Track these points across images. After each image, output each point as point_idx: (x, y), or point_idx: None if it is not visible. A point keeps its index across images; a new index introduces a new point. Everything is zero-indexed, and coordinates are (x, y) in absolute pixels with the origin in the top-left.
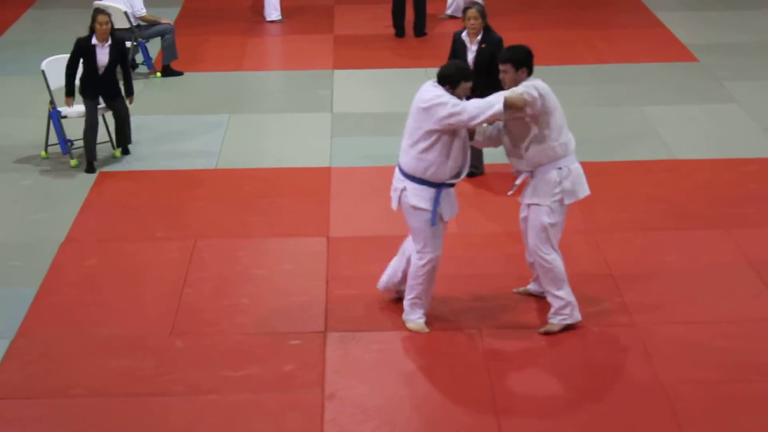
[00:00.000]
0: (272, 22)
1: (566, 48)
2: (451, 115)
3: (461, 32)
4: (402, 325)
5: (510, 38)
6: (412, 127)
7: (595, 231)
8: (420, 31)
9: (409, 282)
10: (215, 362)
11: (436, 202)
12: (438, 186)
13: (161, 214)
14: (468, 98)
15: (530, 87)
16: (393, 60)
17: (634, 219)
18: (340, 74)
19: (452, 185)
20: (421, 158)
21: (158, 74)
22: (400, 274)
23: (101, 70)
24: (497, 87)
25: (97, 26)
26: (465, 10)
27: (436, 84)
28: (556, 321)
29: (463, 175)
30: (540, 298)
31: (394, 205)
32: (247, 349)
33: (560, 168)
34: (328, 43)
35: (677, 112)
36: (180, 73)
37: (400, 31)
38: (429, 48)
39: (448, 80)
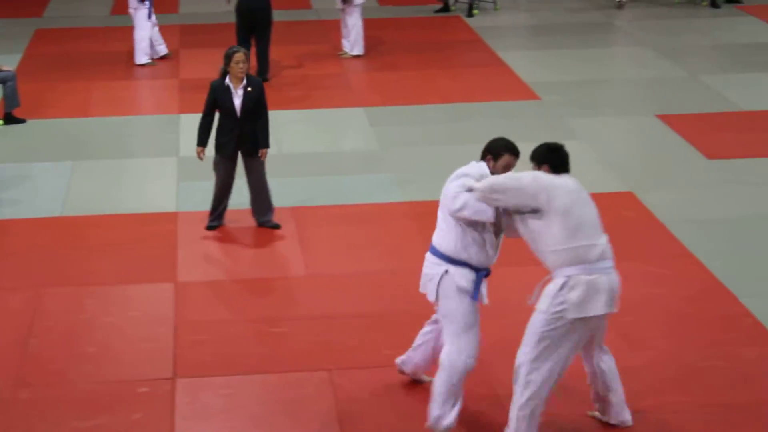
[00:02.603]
0: (142, 65)
1: (413, 88)
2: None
3: (221, 80)
4: (253, 369)
5: (359, 80)
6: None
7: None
8: (262, 75)
9: (438, 385)
10: (63, 413)
11: (476, 285)
12: (477, 270)
13: (3, 263)
14: (246, 141)
15: (503, 178)
16: None
17: None
18: (186, 118)
19: (488, 273)
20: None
21: (0, 122)
22: (423, 363)
23: None
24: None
25: None
26: (230, 54)
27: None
28: None
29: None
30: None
31: (432, 296)
32: (95, 399)
33: (568, 276)
34: (174, 88)
35: (522, 149)
36: (23, 121)
37: None
38: (273, 92)
39: (489, 152)
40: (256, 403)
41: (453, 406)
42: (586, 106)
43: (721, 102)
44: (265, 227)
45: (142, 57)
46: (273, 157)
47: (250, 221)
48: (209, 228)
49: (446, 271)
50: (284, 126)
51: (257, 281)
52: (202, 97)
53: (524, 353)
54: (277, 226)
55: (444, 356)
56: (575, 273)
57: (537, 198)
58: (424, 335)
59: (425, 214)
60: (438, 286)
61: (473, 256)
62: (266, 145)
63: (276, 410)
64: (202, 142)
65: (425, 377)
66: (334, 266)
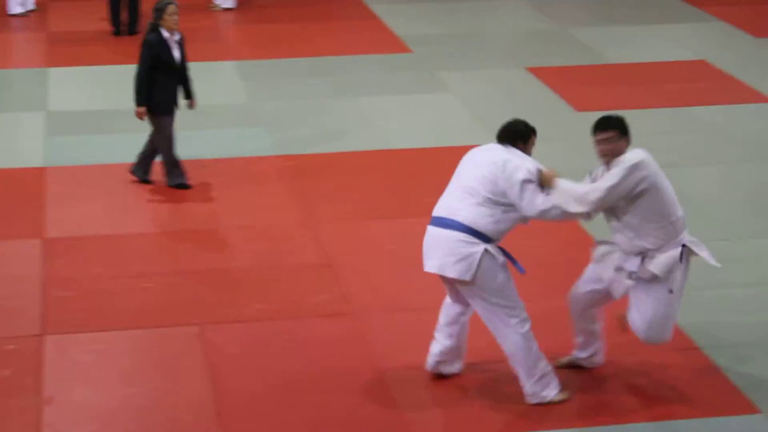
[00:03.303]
0: (15, 16)
1: (284, 41)
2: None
3: (157, 34)
4: (123, 324)
5: (226, 34)
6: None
7: (314, 222)
8: (132, 28)
9: (521, 363)
10: None
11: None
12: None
13: None
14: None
15: (615, 178)
16: (111, 57)
17: (353, 209)
18: (56, 72)
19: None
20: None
21: None
22: (451, 354)
23: None
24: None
25: None
26: (162, 7)
27: (507, 147)
28: None
29: None
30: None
31: (468, 274)
32: None
33: (683, 244)
34: (42, 41)
35: (394, 102)
36: None
37: (117, 29)
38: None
39: (520, 136)
40: (126, 359)
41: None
42: (458, 59)
43: (590, 55)
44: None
45: (15, 7)
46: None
47: (122, 177)
48: (180, 186)
49: (486, 250)
50: None
51: (126, 237)
52: (72, 51)
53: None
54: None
55: (514, 337)
56: (688, 239)
57: (643, 180)
58: (450, 330)
59: (296, 167)
60: (479, 265)
61: (501, 235)
62: (194, 96)
63: (146, 366)
64: (144, 100)
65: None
66: (204, 221)
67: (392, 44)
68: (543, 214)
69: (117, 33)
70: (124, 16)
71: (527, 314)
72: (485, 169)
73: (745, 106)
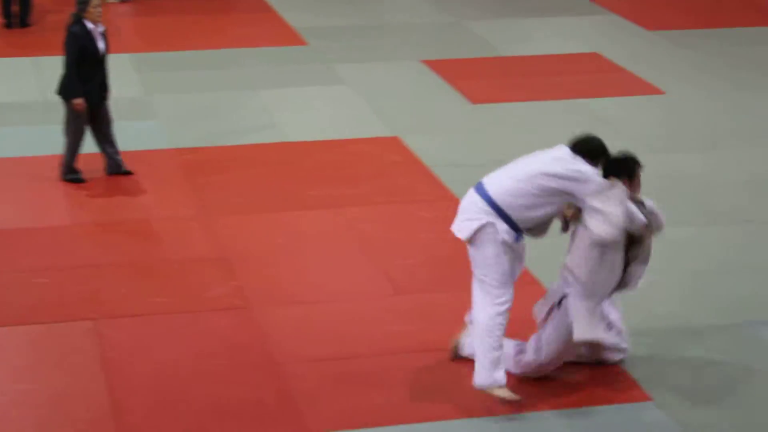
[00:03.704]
0: None
1: (179, 34)
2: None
3: (81, 26)
4: (16, 320)
5: (120, 27)
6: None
7: (208, 215)
8: (23, 21)
9: (478, 341)
10: None
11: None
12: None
13: None
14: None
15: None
16: (3, 50)
17: (248, 202)
18: None
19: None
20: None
21: None
22: None
23: None
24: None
25: None
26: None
27: (577, 157)
28: None
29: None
30: None
31: (465, 234)
32: None
33: None
34: None
35: (289, 95)
36: None
37: (9, 21)
38: (35, 37)
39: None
40: (19, 355)
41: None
42: (354, 51)
43: (486, 47)
44: (119, 174)
45: None
46: (38, 103)
47: (14, 170)
48: (74, 181)
49: (490, 223)
50: (48, 71)
51: (19, 231)
52: None
53: None
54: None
55: (481, 314)
56: None
57: None
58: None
59: (191, 161)
60: (476, 231)
61: (528, 223)
62: (108, 88)
63: (40, 361)
64: (80, 92)
65: None
66: (100, 215)
67: (288, 37)
68: (604, 204)
69: (8, 26)
70: (15, 8)
71: (508, 301)
72: (546, 161)
73: (636, 98)
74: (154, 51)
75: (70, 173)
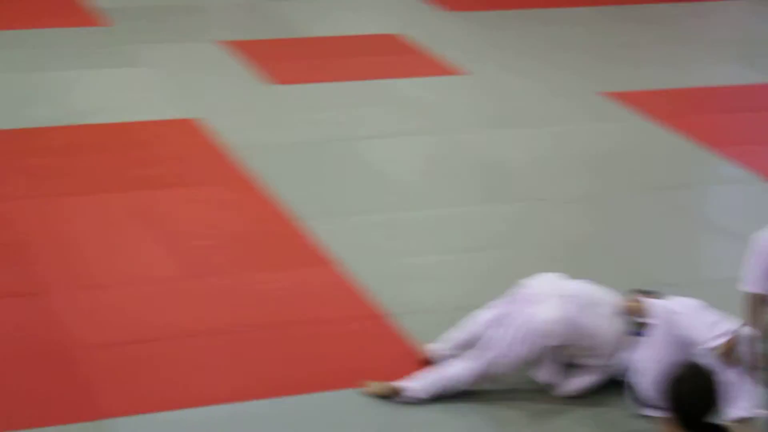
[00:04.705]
0: None
1: None
2: None
3: None
4: None
5: None
6: None
7: (3, 200)
8: None
9: (439, 376)
10: None
11: None
12: None
13: None
14: None
15: None
16: None
17: (41, 186)
18: None
19: None
20: None
21: None
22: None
23: None
24: None
25: None
26: None
27: None
28: None
29: None
30: None
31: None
32: None
33: None
34: None
35: (87, 77)
36: None
37: None
38: None
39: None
40: None
41: None
42: (154, 32)
43: (286, 28)
44: None
45: None
46: None
47: None
48: None
49: None
50: None
51: None
52: None
53: None
54: None
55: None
56: None
57: None
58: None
59: None
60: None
61: None
62: None
63: None
64: None
65: None
66: None
67: (85, 17)
68: None
69: None
70: None
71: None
72: None
73: (433, 78)
74: None
75: None
